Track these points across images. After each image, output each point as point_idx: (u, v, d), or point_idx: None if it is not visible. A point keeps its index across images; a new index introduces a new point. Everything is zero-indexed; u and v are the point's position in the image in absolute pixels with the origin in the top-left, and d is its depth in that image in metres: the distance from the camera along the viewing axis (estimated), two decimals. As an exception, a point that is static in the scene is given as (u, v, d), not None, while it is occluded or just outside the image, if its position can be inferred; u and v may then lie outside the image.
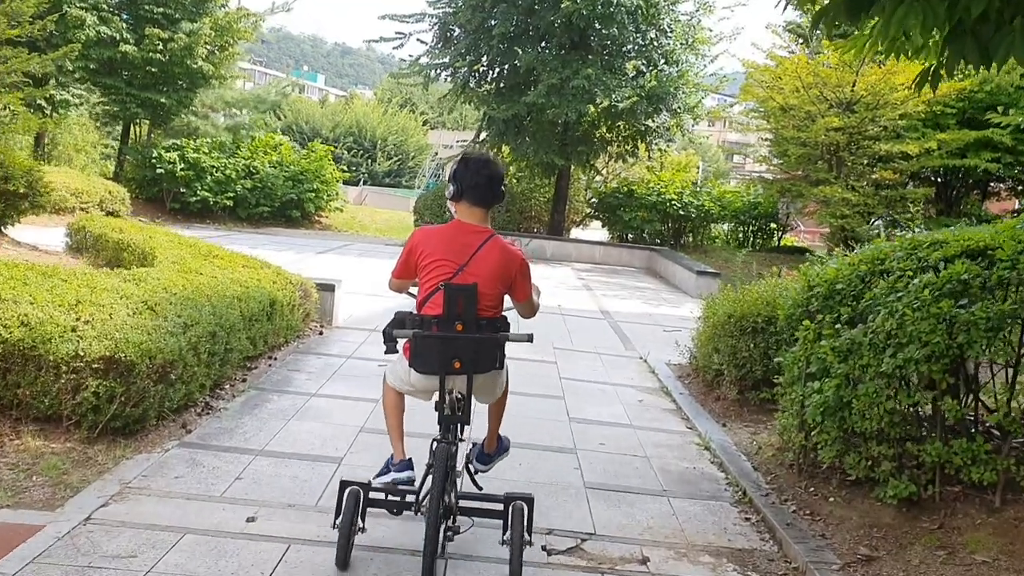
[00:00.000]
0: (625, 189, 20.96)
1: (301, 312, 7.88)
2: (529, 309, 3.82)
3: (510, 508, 3.55)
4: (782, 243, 23.41)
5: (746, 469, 5.38)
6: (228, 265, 7.36)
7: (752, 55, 20.01)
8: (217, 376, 5.80)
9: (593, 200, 22.68)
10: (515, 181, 21.53)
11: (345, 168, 24.82)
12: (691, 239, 21.45)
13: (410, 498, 3.69)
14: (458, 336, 3.47)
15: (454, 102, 20.35)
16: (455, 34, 19.29)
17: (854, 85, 15.12)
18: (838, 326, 4.86)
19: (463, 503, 3.69)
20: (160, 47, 18.25)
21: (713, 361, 7.08)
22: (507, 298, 3.73)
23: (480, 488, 3.91)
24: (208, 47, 19.15)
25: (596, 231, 24.71)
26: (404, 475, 3.74)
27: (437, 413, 3.57)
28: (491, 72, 19.88)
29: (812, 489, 4.93)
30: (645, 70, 18.50)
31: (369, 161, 50.25)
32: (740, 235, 23.12)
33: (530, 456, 5.22)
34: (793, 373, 5.22)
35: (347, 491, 3.58)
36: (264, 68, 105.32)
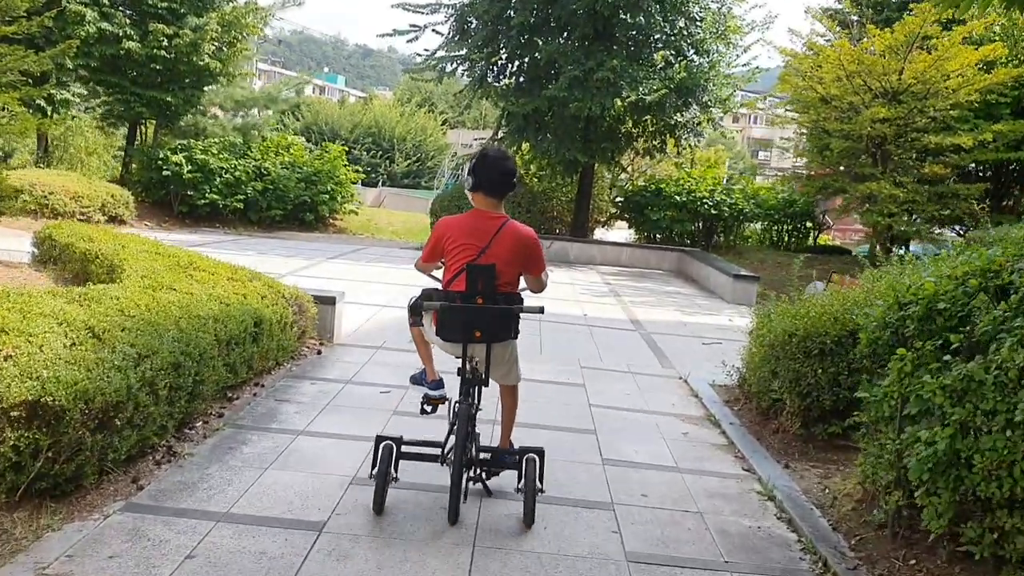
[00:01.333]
0: (653, 187, 19.92)
1: (295, 330, 6.97)
2: (539, 284, 4.24)
3: (524, 459, 4.10)
4: (817, 242, 22.32)
5: (823, 529, 4.38)
6: (210, 278, 6.45)
7: (790, 43, 18.89)
8: (184, 413, 4.89)
9: (618, 199, 21.66)
10: (536, 180, 20.56)
11: (360, 169, 23.95)
12: (723, 239, 20.38)
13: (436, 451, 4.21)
14: (478, 308, 3.92)
15: (471, 97, 19.34)
16: (472, 25, 18.33)
17: (901, 73, 13.99)
18: (947, 357, 3.85)
19: (483, 455, 4.22)
20: (165, 43, 17.45)
21: (770, 387, 6.07)
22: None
23: (491, 492, 4.33)
24: (215, 43, 18.33)
25: (621, 231, 23.68)
26: (437, 393, 4.42)
27: (459, 378, 4.06)
28: (510, 65, 18.90)
29: (914, 562, 3.92)
30: (674, 61, 17.46)
31: (388, 162, 49.53)
32: (774, 234, 22.01)
33: (557, 515, 4.25)
34: (882, 412, 4.22)
35: (382, 445, 4.06)
36: (284, 70, 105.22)
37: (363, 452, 4.83)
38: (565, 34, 17.81)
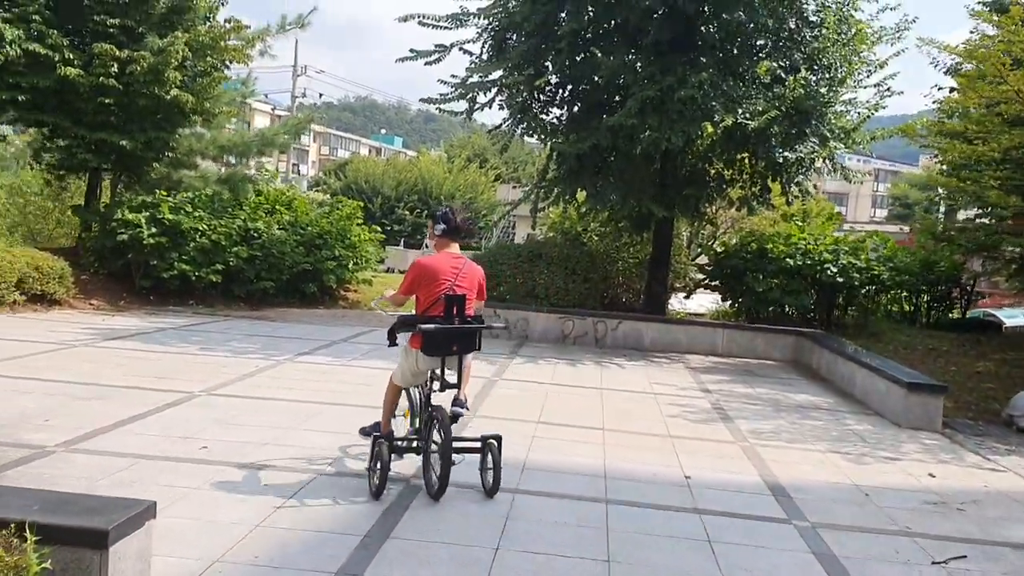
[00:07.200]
0: (754, 246, 15.05)
1: None
2: (482, 302, 5.66)
3: (486, 444, 5.40)
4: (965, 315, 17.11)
5: None
6: None
7: (971, 35, 13.84)
8: None
9: (704, 261, 16.85)
10: (596, 239, 15.95)
11: (379, 228, 19.65)
12: (847, 315, 15.38)
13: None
14: (457, 328, 5.25)
15: (510, 133, 14.83)
16: (511, 41, 13.99)
17: None
18: None
19: (455, 444, 5.30)
20: (114, 69, 13.49)
21: None
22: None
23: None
24: (185, 74, 14.32)
25: (704, 297, 18.59)
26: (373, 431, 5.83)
27: (439, 386, 5.44)
28: (560, 91, 14.47)
29: None
30: (784, 75, 12.78)
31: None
32: (906, 306, 16.86)
33: None
34: None
35: (376, 442, 5.24)
36: (345, 133, 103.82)
37: None
38: (633, 46, 13.32)
